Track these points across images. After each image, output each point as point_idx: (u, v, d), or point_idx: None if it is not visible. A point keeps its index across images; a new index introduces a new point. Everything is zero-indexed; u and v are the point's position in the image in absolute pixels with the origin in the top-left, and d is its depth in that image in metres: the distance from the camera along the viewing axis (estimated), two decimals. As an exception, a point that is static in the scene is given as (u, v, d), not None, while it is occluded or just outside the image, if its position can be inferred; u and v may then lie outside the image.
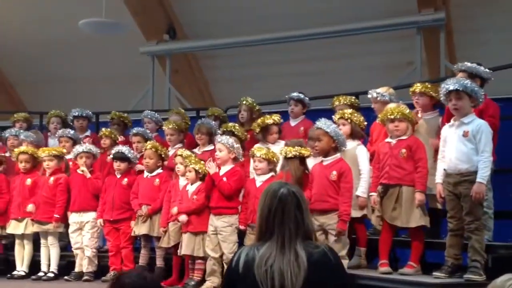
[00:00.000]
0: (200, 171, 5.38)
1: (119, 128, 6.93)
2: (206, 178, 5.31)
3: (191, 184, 5.44)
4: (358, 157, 4.95)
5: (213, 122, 6.35)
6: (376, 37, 8.52)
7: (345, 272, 2.38)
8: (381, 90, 5.33)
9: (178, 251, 5.42)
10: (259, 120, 5.90)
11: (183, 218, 5.36)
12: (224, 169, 5.30)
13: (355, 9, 8.45)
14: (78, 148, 6.15)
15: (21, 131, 7.00)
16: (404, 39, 8.50)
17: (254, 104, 6.42)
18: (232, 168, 5.31)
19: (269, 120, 5.80)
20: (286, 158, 4.87)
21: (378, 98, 5.30)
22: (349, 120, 5.07)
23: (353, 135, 5.06)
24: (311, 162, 4.95)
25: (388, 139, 4.73)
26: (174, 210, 5.46)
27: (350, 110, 5.21)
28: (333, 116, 5.19)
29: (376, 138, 5.23)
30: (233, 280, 2.22)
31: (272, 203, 2.25)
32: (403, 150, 4.57)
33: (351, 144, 5.00)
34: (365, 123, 5.23)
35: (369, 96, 5.39)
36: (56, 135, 6.80)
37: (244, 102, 6.41)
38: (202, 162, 5.43)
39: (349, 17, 8.41)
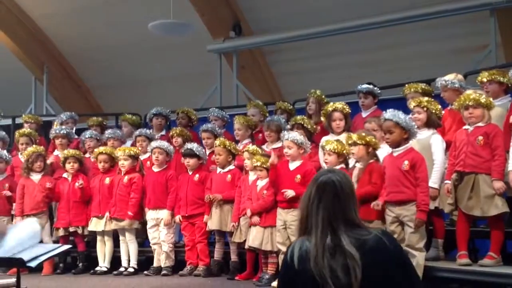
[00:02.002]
0: (265, 166, 5.40)
1: (184, 123, 7.07)
2: (270, 173, 5.31)
3: (261, 180, 5.49)
4: (432, 146, 4.78)
5: (281, 116, 6.37)
6: (447, 21, 8.23)
7: (407, 258, 2.21)
8: (449, 77, 5.15)
9: (246, 243, 5.49)
10: (323, 110, 5.87)
11: (255, 220, 5.41)
12: (295, 165, 5.30)
13: (424, -7, 8.20)
14: (152, 144, 6.33)
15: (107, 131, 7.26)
16: (477, 22, 8.17)
17: (323, 96, 6.38)
18: (303, 164, 5.29)
19: (330, 107, 5.74)
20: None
21: (449, 86, 5.12)
22: (425, 108, 4.90)
23: (428, 124, 4.90)
24: (381, 154, 4.87)
25: (466, 126, 4.58)
26: (248, 212, 5.50)
27: (426, 98, 5.02)
28: (409, 104, 5.05)
29: (450, 127, 5.07)
30: (291, 276, 2.15)
31: (311, 192, 2.19)
32: (480, 137, 4.42)
33: (426, 133, 4.85)
34: (442, 111, 5.07)
35: (438, 84, 5.22)
36: (133, 135, 7.02)
37: (312, 95, 6.39)
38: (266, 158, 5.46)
39: (418, 2, 8.17)
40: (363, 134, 4.85)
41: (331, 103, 5.88)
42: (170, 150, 6.34)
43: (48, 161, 6.91)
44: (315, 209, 2.15)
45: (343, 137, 5.41)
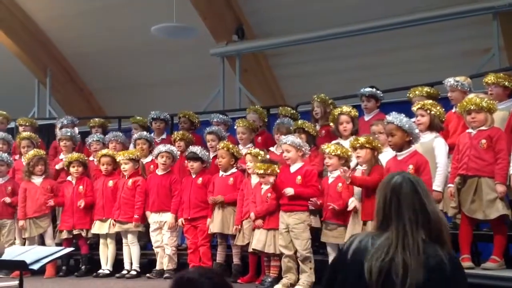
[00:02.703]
0: (267, 173, 5.38)
1: (186, 127, 7.09)
2: (275, 184, 5.28)
3: (266, 184, 5.48)
4: (435, 149, 4.77)
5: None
6: (450, 24, 8.23)
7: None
8: (460, 78, 5.16)
9: (250, 246, 5.48)
10: (331, 115, 5.87)
11: (259, 223, 5.41)
12: (295, 167, 5.31)
13: (427, -3, 8.20)
14: (161, 148, 6.34)
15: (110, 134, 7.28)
16: (480, 26, 8.17)
17: (327, 99, 6.37)
18: (303, 167, 5.30)
19: (337, 111, 5.75)
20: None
21: (459, 87, 5.12)
22: (428, 111, 4.90)
23: (431, 127, 4.89)
24: (384, 157, 4.87)
25: (469, 130, 4.58)
26: (252, 216, 5.50)
27: (430, 101, 5.03)
28: (412, 108, 5.06)
29: (454, 130, 5.06)
30: (340, 264, 2.16)
31: (386, 193, 2.15)
32: (483, 141, 4.42)
33: (428, 136, 4.85)
34: (445, 115, 5.06)
35: (448, 84, 5.20)
36: (133, 138, 7.04)
37: (316, 99, 6.38)
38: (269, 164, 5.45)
39: (421, 5, 8.18)
40: (371, 138, 4.85)
41: (338, 107, 5.87)
42: (176, 154, 6.35)
43: (57, 167, 6.94)
44: (395, 210, 2.11)
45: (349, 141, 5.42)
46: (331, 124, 5.88)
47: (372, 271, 2.01)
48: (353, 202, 4.84)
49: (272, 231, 5.36)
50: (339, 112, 5.71)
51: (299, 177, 5.23)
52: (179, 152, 6.46)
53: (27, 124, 7.80)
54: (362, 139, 4.81)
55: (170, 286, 1.84)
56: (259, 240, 5.36)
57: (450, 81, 5.17)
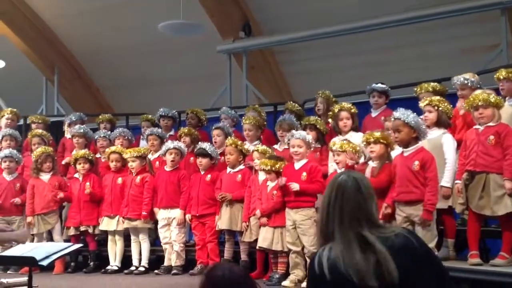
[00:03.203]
0: (273, 169, 5.39)
1: (194, 123, 7.12)
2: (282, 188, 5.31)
3: (272, 181, 5.49)
4: (444, 145, 4.77)
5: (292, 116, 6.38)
6: (457, 20, 8.20)
7: (435, 256, 2.15)
8: (468, 76, 5.15)
9: (257, 244, 5.50)
10: (331, 111, 5.88)
11: (264, 221, 5.42)
12: (300, 164, 5.33)
13: (433, -7, 8.17)
14: (169, 144, 6.36)
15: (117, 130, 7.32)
16: (487, 21, 8.12)
17: (331, 96, 6.37)
18: (308, 163, 5.30)
19: (337, 108, 5.76)
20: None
21: (469, 84, 5.11)
22: (436, 107, 4.89)
23: (439, 123, 4.89)
24: (392, 154, 4.87)
25: (476, 126, 4.57)
26: (257, 213, 5.52)
27: (438, 97, 5.02)
28: (420, 104, 5.04)
29: (461, 127, 5.05)
30: (323, 286, 2.01)
31: (331, 190, 2.10)
32: (491, 137, 4.41)
33: (436, 132, 4.85)
34: (453, 111, 5.05)
35: (458, 82, 5.18)
36: (145, 134, 7.05)
37: (320, 95, 6.39)
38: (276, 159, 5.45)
39: (428, 1, 8.14)
40: (385, 133, 4.84)
41: (338, 104, 5.88)
42: (184, 151, 6.38)
43: (64, 162, 6.97)
44: (338, 210, 2.06)
45: (349, 136, 5.43)
46: (330, 120, 5.88)
47: (357, 279, 1.93)
48: None
49: (279, 228, 5.37)
50: (339, 108, 5.72)
51: (304, 174, 5.24)
52: (186, 149, 6.47)
53: (40, 121, 7.85)
54: (377, 134, 4.80)
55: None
56: (265, 238, 5.38)
57: (459, 79, 5.15)
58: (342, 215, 2.05)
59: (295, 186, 5.17)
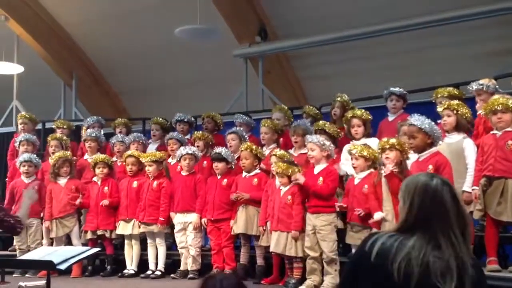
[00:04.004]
0: (286, 173, 5.39)
1: (210, 127, 7.15)
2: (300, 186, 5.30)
3: (284, 186, 5.49)
4: (465, 150, 4.74)
5: (307, 120, 6.37)
6: (476, 24, 8.12)
7: None
8: (484, 81, 5.10)
9: (270, 248, 5.49)
10: (344, 117, 5.88)
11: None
12: (319, 168, 5.31)
13: (451, -4, 8.10)
14: (182, 151, 6.39)
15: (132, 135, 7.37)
16: (507, 25, 8.04)
17: (349, 102, 6.36)
18: (327, 167, 5.30)
19: (349, 114, 5.76)
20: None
21: (484, 89, 5.06)
22: (454, 112, 4.85)
23: (458, 127, 4.85)
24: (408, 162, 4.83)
25: (494, 131, 4.53)
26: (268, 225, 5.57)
27: (456, 101, 4.98)
28: (438, 108, 5.00)
29: (483, 132, 5.00)
30: (361, 266, 2.05)
31: (425, 196, 2.04)
32: (510, 142, 4.37)
33: (456, 137, 4.82)
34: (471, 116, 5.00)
35: (474, 87, 5.13)
36: (165, 139, 7.07)
37: (338, 99, 6.37)
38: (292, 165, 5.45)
39: (447, 5, 8.09)
40: (401, 140, 4.81)
41: (351, 110, 5.87)
42: (198, 155, 6.40)
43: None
44: (437, 216, 2.02)
45: (362, 142, 5.41)
46: (345, 125, 5.88)
47: (401, 273, 1.94)
48: (378, 215, 4.79)
49: (291, 233, 5.35)
50: (352, 115, 5.72)
51: (321, 178, 5.23)
52: (201, 153, 6.50)
53: (64, 126, 7.93)
54: (392, 141, 4.78)
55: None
56: (277, 244, 5.36)
57: (476, 85, 5.09)
58: (437, 221, 2.03)
59: (299, 177, 5.18)
